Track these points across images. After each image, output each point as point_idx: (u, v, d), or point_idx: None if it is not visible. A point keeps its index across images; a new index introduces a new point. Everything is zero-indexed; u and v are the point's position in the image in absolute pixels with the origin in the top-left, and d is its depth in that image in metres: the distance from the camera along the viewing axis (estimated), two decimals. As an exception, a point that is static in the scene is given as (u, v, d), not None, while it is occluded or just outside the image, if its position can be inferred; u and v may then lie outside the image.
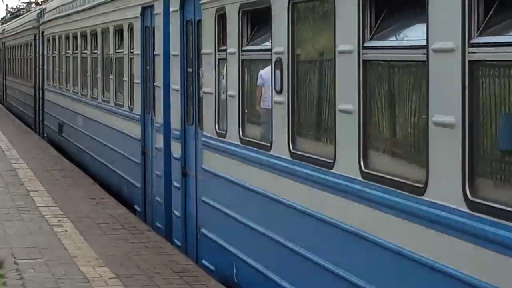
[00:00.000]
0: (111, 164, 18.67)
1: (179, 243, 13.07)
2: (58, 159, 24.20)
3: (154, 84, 14.47)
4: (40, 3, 50.44)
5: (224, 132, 10.90)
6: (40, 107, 31.88)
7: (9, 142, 27.95)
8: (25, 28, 37.80)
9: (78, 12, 22.66)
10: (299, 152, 8.70)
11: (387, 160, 7.28)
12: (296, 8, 8.80)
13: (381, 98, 7.31)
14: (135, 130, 16.01)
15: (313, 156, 8.35)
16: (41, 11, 32.46)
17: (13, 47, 44.56)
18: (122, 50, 17.21)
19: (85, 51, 21.86)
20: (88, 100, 21.31)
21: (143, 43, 15.46)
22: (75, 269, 11.82)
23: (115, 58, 18.03)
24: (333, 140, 7.82)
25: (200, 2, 11.78)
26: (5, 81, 49.46)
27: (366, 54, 7.23)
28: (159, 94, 14.15)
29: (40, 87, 31.83)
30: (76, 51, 23.23)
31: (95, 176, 20.58)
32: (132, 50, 16.31)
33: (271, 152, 9.36)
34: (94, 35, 20.63)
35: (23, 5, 69.44)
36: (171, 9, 13.35)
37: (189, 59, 12.79)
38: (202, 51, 11.81)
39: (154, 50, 14.54)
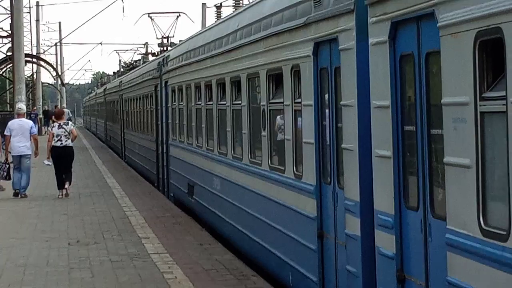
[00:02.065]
0: (262, 240, 14.20)
1: None
2: (168, 207, 23.68)
3: (342, 146, 9.94)
4: (157, 54, 46.72)
5: (506, 233, 6.31)
6: (164, 164, 27.63)
7: (122, 191, 27.24)
8: (145, 78, 33.71)
9: (212, 56, 18.23)
10: None
11: None
12: None
13: None
14: (306, 205, 11.49)
15: None
16: (163, 59, 28.18)
17: (131, 99, 40.57)
18: (280, 100, 12.71)
19: (223, 102, 17.39)
20: (229, 160, 16.83)
21: (317, 91, 10.96)
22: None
23: (269, 110, 13.53)
24: None
25: (438, 24, 7.26)
26: (124, 134, 45.60)
27: None
28: (352, 160, 9.63)
29: (164, 142, 27.55)
30: (210, 102, 18.79)
31: (238, 249, 16.24)
32: (298, 100, 11.82)
33: None
34: (235, 82, 16.18)
35: (137, 59, 66.66)
36: (372, 41, 8.85)
37: (406, 112, 8.30)
38: (443, 100, 7.27)
39: (340, 100, 10.04)
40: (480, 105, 6.68)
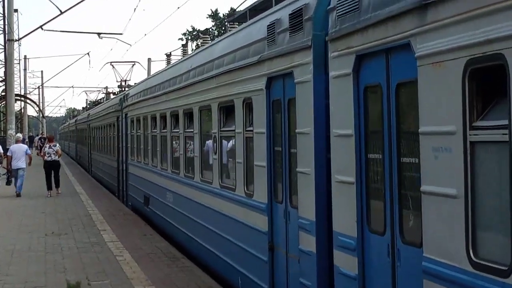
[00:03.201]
0: (211, 246, 12.10)
1: None
2: (121, 207, 23.12)
3: (298, 170, 7.90)
4: (116, 93, 44.39)
5: (507, 269, 4.35)
6: (123, 179, 25.25)
7: (87, 195, 26.55)
8: (108, 111, 31.32)
9: (167, 93, 16.07)
10: None
11: None
12: None
13: None
14: (257, 220, 9.42)
15: None
16: (124, 96, 25.94)
17: (97, 127, 38.00)
18: (232, 128, 10.65)
19: (176, 130, 15.24)
20: (181, 178, 14.68)
21: (269, 120, 8.93)
22: (131, 288, 10.88)
23: (220, 136, 11.45)
24: None
25: (416, 54, 5.30)
26: (90, 154, 42.91)
27: None
28: (308, 182, 7.59)
29: (124, 161, 25.16)
30: (165, 130, 16.60)
31: (188, 252, 14.10)
32: (249, 128, 9.77)
33: None
34: (188, 114, 14.05)
35: (100, 98, 64.38)
36: (334, 74, 6.86)
37: (371, 140, 6.31)
38: (421, 129, 5.29)
39: (294, 128, 8.01)
40: (470, 135, 4.73)
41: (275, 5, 9.42)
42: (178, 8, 31.59)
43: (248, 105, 9.77)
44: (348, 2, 6.46)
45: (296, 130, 7.84)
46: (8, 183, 26.75)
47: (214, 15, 74.94)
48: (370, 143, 6.26)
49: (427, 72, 5.16)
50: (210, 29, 72.23)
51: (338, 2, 6.67)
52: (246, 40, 9.81)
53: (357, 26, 6.26)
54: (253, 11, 11.20)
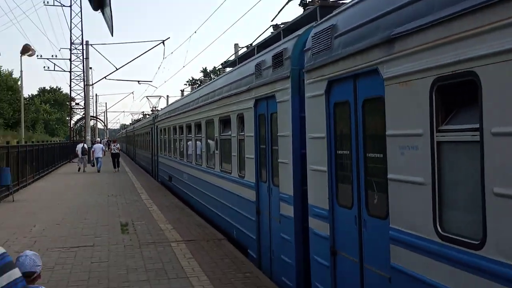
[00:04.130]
0: (216, 209, 10.65)
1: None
2: (153, 181, 21.37)
3: (279, 160, 6.52)
4: (149, 114, 42.56)
5: (478, 242, 3.03)
6: (156, 165, 23.59)
7: (132, 174, 25.35)
8: (145, 125, 29.61)
9: (184, 112, 14.53)
10: None
11: None
12: None
13: None
14: (248, 193, 8.03)
15: None
16: (155, 115, 24.35)
17: (139, 134, 36.18)
18: (229, 133, 9.23)
19: (190, 135, 13.73)
20: (193, 165, 13.17)
21: (256, 127, 7.54)
22: (156, 225, 10.58)
23: (220, 139, 10.02)
24: None
25: (384, 76, 3.97)
26: (135, 150, 40.99)
27: None
28: (287, 169, 6.21)
29: (156, 154, 23.49)
30: (182, 135, 15.08)
31: (200, 212, 12.61)
32: (241, 133, 8.36)
33: None
34: (198, 125, 12.56)
35: (141, 117, 62.05)
36: (309, 95, 5.49)
37: (339, 141, 4.97)
38: (388, 132, 3.96)
39: (275, 132, 6.64)
40: (437, 136, 3.42)
41: (257, 53, 8.07)
42: (184, 66, 32.32)
43: (240, 118, 8.36)
44: (322, 43, 5.11)
45: (278, 134, 6.47)
46: (93, 165, 27.83)
47: (204, 71, 73.72)
48: (339, 143, 4.93)
49: (393, 89, 3.84)
50: (203, 78, 70.63)
51: (313, 44, 5.32)
52: (239, 76, 8.40)
53: (329, 60, 4.92)
54: (241, 59, 9.80)
